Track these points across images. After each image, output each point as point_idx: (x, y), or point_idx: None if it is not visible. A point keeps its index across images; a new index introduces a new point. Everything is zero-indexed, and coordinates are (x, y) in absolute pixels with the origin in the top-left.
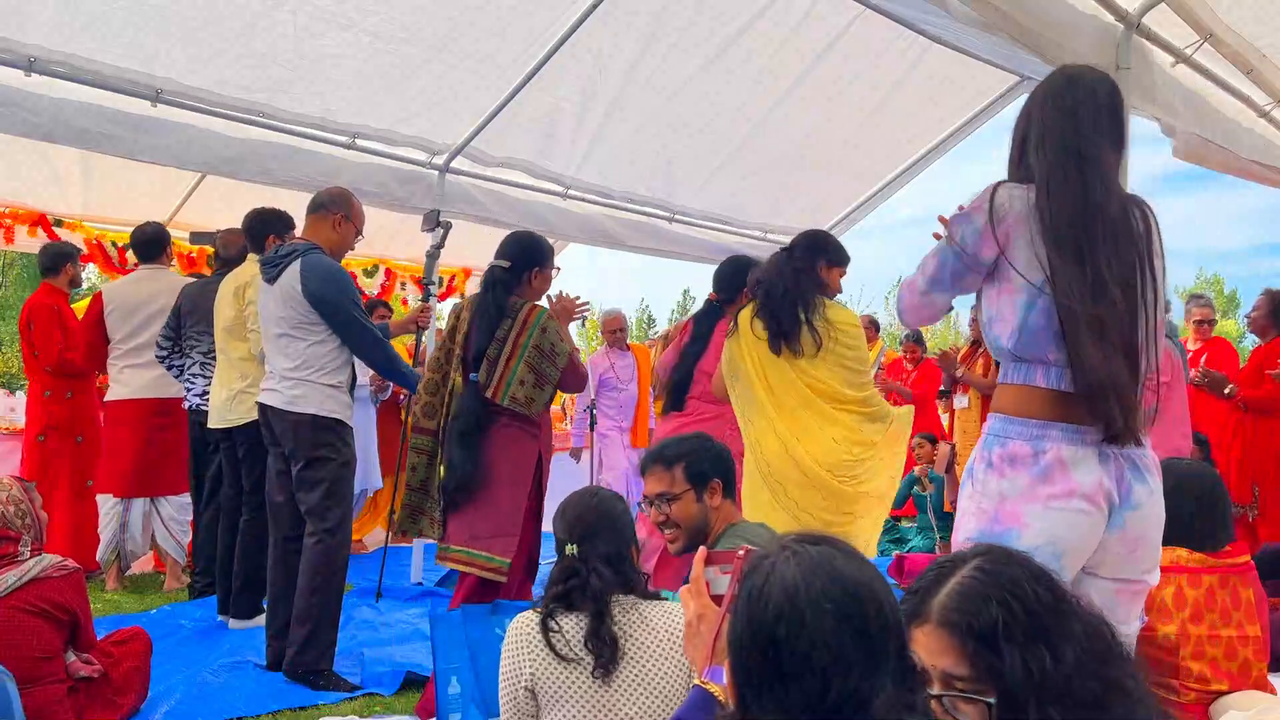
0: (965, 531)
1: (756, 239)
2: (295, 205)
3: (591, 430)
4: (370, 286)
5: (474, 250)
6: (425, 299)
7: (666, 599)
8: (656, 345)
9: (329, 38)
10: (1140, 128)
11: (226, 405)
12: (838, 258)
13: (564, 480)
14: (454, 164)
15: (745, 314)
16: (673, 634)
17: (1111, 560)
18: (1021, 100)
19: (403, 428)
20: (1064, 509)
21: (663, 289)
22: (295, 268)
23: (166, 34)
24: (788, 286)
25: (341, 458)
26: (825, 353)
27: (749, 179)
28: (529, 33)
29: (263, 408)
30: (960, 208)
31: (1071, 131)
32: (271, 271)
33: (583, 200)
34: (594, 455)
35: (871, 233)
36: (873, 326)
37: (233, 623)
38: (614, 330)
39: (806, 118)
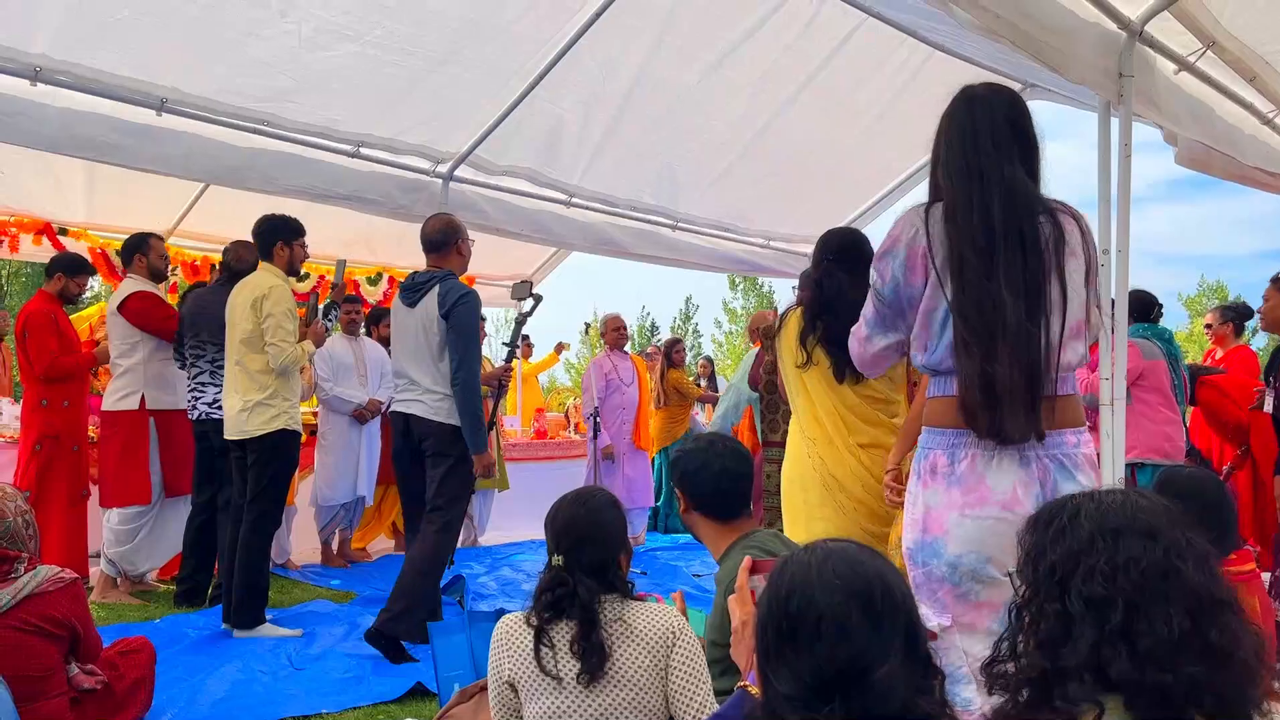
0: (904, 542)
1: (759, 246)
2: (299, 213)
3: (594, 439)
4: (374, 294)
5: (476, 258)
6: (508, 360)
7: (649, 601)
8: (656, 364)
9: (333, 49)
10: (1142, 134)
11: (243, 416)
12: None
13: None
14: (458, 173)
15: (812, 344)
16: (650, 634)
17: None
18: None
19: None
20: (979, 517)
21: (665, 296)
22: (435, 291)
23: (171, 44)
24: (855, 316)
25: (468, 460)
26: None
27: (752, 186)
28: (532, 42)
29: (405, 415)
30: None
31: (971, 152)
32: (412, 297)
33: (586, 208)
34: (592, 464)
35: (880, 224)
36: None
37: (236, 632)
38: (616, 329)
39: (809, 125)
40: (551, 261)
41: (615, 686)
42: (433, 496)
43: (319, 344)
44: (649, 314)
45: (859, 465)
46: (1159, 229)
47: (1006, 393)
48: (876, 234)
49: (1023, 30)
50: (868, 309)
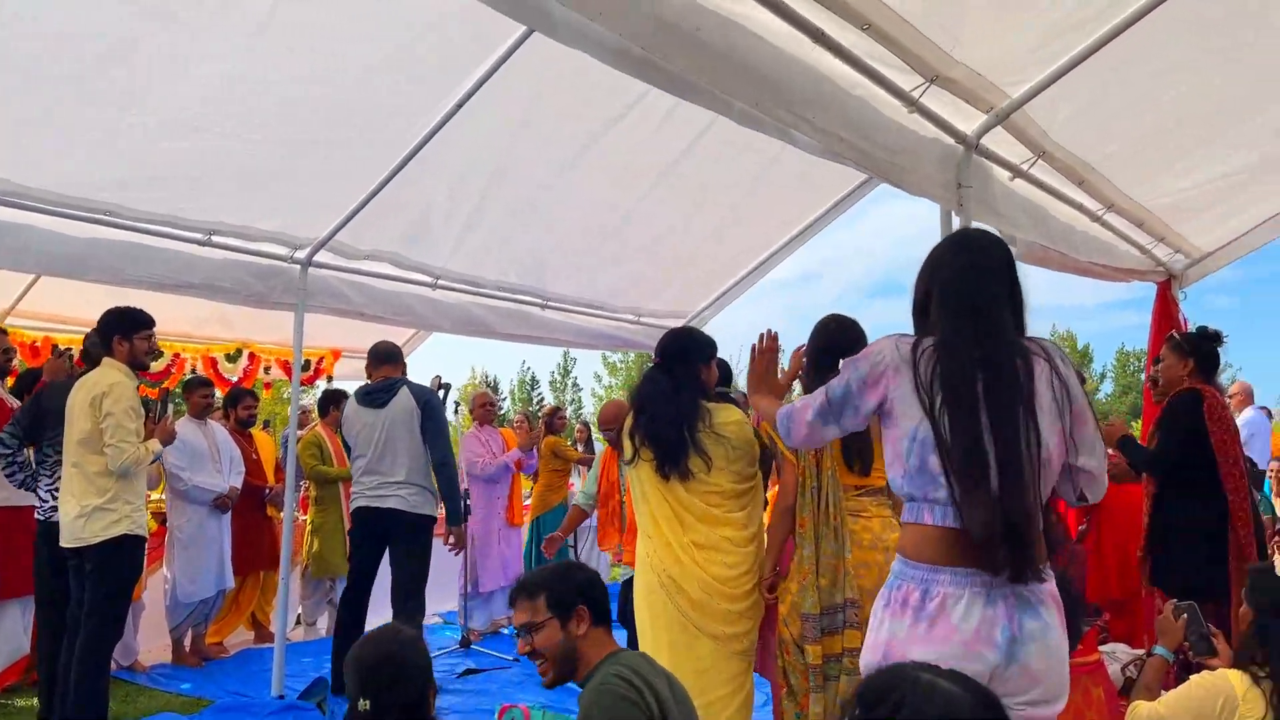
0: (863, 660)
1: (630, 322)
2: (145, 302)
3: (465, 520)
4: (233, 372)
5: (341, 333)
6: None
7: None
8: (522, 429)
9: (181, 140)
10: None
11: (79, 523)
12: (709, 352)
13: (442, 568)
14: (318, 258)
15: (639, 440)
16: None
17: (1015, 690)
18: (877, 190)
19: (273, 523)
20: (942, 655)
21: (544, 350)
22: (406, 390)
23: (3, 138)
24: (671, 414)
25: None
26: (717, 461)
27: (618, 268)
28: (393, 131)
29: (380, 510)
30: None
31: (969, 290)
32: (382, 398)
33: (453, 290)
34: (467, 542)
35: (746, 295)
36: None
37: None
38: (483, 405)
39: (671, 210)
40: (420, 334)
41: None
42: (413, 579)
43: (167, 443)
44: (529, 369)
45: (693, 564)
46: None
47: (1023, 531)
48: (739, 314)
49: (865, 151)
50: (818, 398)
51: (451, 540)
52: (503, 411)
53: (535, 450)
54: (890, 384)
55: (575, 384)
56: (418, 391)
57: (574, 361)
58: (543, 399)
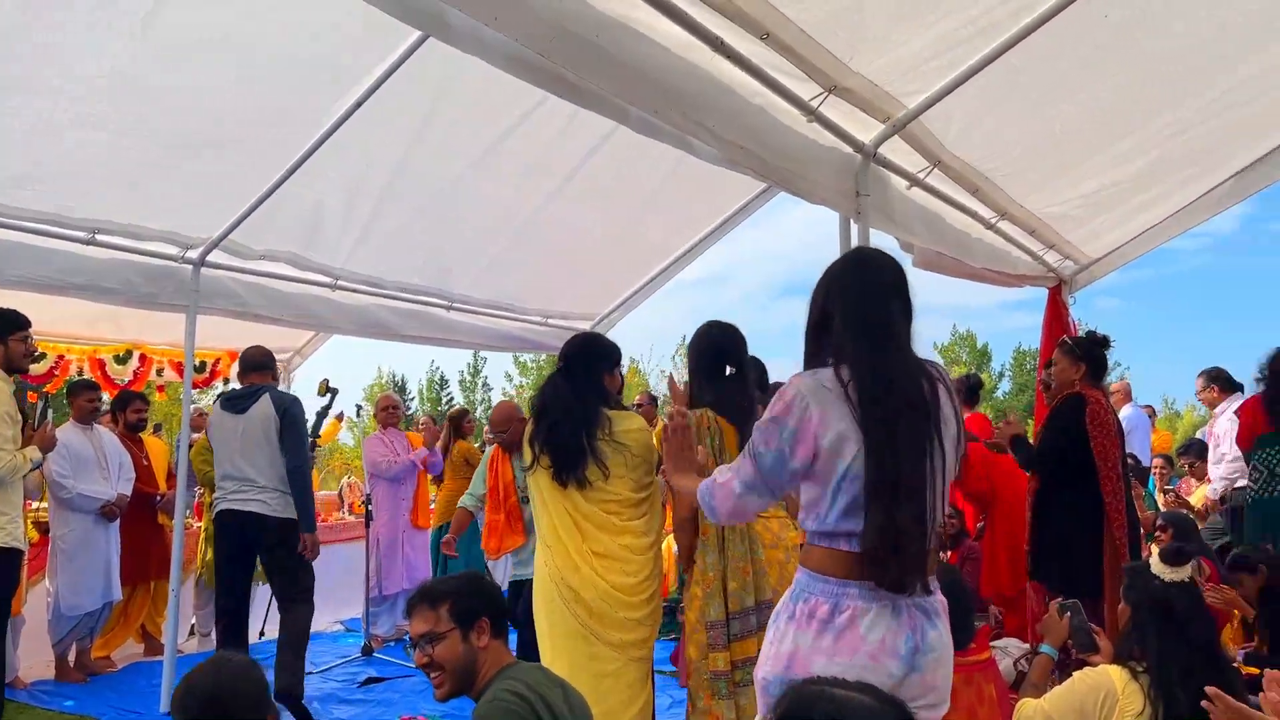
0: (762, 670)
1: (537, 324)
2: (32, 300)
3: (368, 525)
4: (123, 374)
5: (238, 334)
6: (310, 450)
7: None
8: (427, 431)
9: (65, 135)
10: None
11: None
12: (614, 359)
13: (346, 574)
14: (211, 257)
15: (539, 447)
16: None
17: (912, 697)
18: (783, 194)
19: (164, 531)
20: (846, 665)
21: (452, 352)
22: (267, 397)
23: None
24: (571, 421)
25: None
26: (616, 469)
27: (524, 269)
28: (290, 128)
29: (243, 514)
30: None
31: (869, 310)
32: (242, 404)
33: (354, 291)
34: (369, 549)
35: (655, 297)
36: (652, 403)
37: None
38: (385, 409)
39: (578, 212)
40: (322, 334)
41: None
42: (287, 586)
43: (47, 450)
44: (438, 368)
45: (592, 573)
46: (912, 283)
47: (909, 546)
48: (647, 316)
49: (765, 160)
50: (746, 468)
51: (310, 548)
52: (411, 412)
53: (442, 450)
54: (819, 429)
55: (485, 384)
56: (279, 399)
57: (484, 361)
58: (452, 399)
